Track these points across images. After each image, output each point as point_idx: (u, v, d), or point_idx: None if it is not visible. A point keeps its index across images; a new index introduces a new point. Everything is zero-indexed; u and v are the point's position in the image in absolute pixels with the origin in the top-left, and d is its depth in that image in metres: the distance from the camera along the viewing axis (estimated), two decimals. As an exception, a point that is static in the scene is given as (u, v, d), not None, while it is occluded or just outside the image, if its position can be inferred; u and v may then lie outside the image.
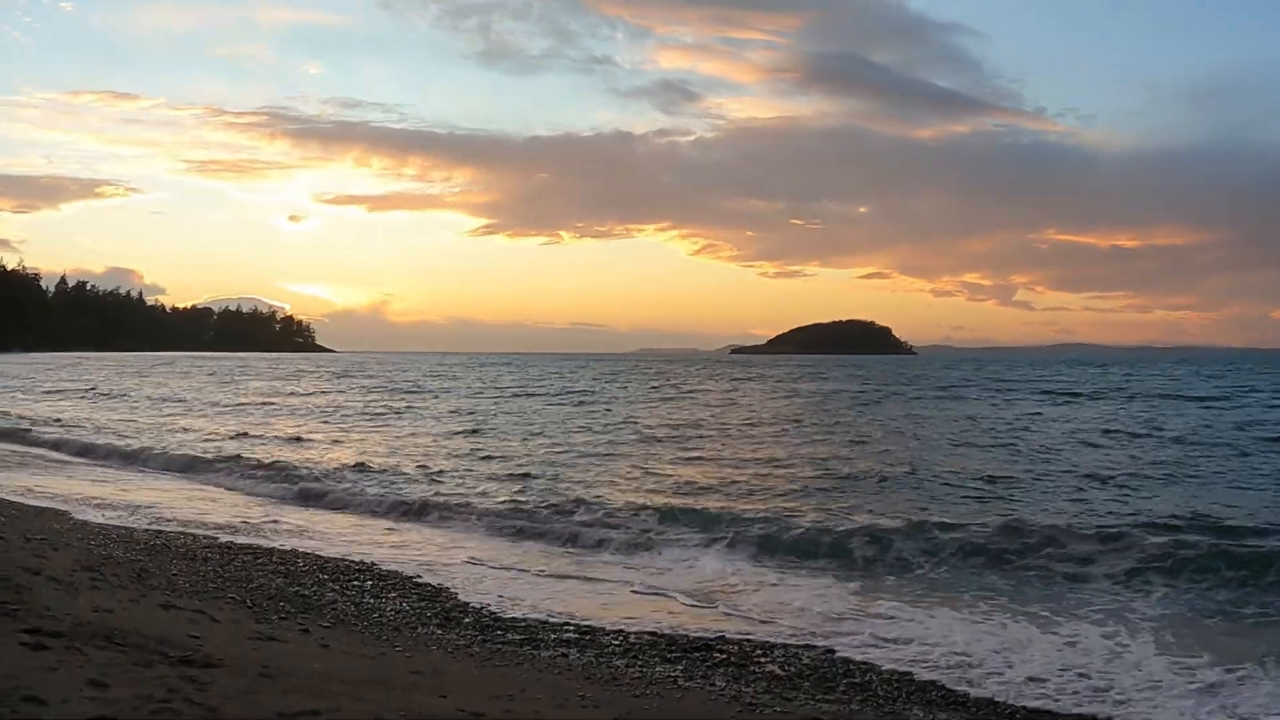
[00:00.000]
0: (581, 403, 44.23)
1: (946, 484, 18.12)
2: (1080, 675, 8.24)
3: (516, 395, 50.73)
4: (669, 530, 14.22)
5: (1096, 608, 10.35)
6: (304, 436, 27.97)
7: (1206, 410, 37.25)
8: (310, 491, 18.45)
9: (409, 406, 41.26)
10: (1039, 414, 35.76)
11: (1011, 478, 18.85)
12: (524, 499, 16.82)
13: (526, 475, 19.59)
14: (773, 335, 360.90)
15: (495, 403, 44.23)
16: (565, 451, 23.94)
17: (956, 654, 8.76)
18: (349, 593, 10.57)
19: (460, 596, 10.73)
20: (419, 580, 11.51)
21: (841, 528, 13.74)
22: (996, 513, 14.78)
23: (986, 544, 12.61)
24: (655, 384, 64.50)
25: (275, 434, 28.71)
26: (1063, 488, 17.71)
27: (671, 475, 19.75)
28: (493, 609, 10.21)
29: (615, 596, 11.15)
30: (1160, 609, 10.27)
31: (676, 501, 16.42)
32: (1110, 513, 14.89)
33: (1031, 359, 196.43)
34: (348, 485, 18.85)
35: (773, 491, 17.52)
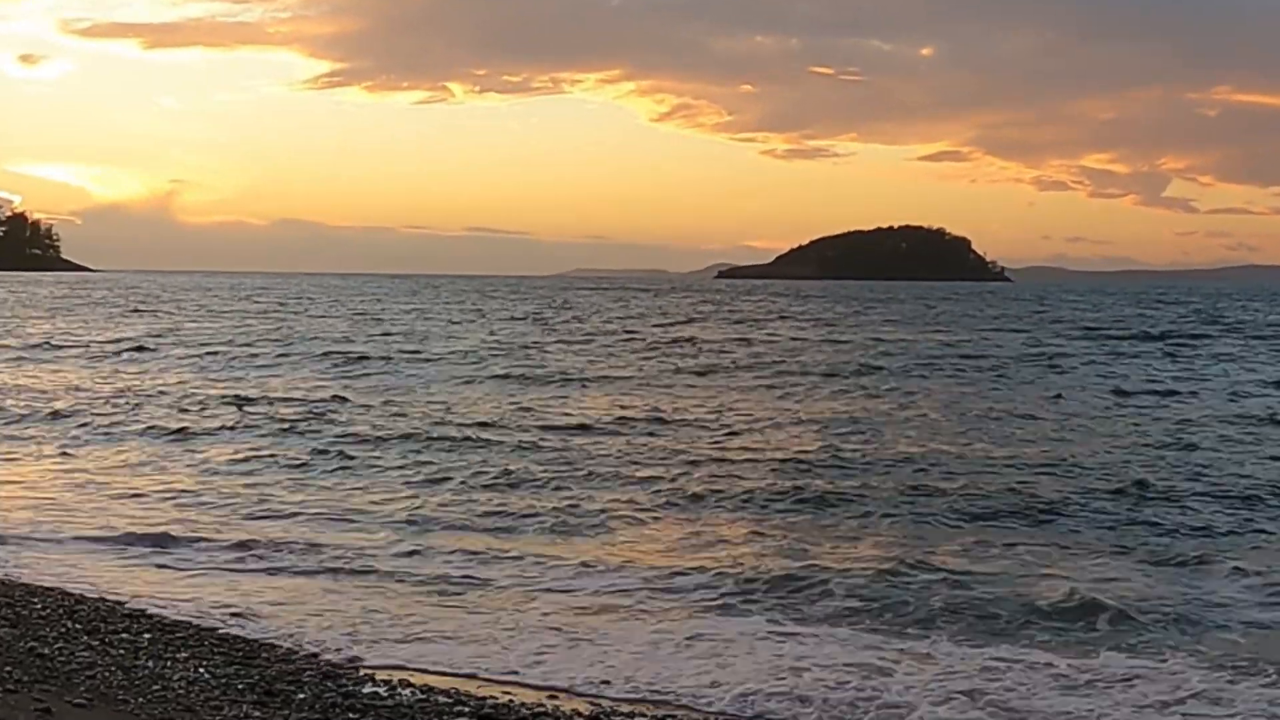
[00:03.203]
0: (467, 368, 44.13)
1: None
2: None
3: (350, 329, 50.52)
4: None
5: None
6: None
7: None
8: None
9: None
10: None
11: None
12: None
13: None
14: (783, 249, 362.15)
15: (316, 374, 43.74)
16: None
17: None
18: (115, 652, 10.67)
19: (292, 658, 10.89)
20: (224, 632, 11.66)
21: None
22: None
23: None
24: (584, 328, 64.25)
25: None
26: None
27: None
28: (342, 676, 10.39)
29: (533, 643, 11.42)
30: None
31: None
32: None
33: (1194, 287, 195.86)
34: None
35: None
